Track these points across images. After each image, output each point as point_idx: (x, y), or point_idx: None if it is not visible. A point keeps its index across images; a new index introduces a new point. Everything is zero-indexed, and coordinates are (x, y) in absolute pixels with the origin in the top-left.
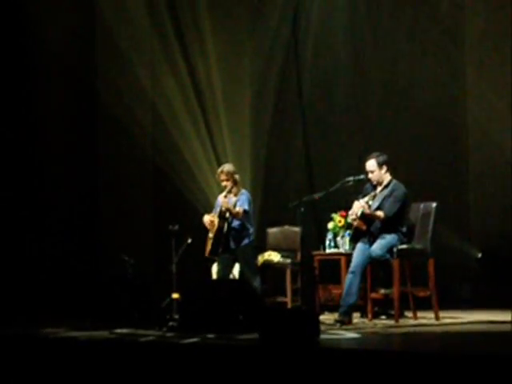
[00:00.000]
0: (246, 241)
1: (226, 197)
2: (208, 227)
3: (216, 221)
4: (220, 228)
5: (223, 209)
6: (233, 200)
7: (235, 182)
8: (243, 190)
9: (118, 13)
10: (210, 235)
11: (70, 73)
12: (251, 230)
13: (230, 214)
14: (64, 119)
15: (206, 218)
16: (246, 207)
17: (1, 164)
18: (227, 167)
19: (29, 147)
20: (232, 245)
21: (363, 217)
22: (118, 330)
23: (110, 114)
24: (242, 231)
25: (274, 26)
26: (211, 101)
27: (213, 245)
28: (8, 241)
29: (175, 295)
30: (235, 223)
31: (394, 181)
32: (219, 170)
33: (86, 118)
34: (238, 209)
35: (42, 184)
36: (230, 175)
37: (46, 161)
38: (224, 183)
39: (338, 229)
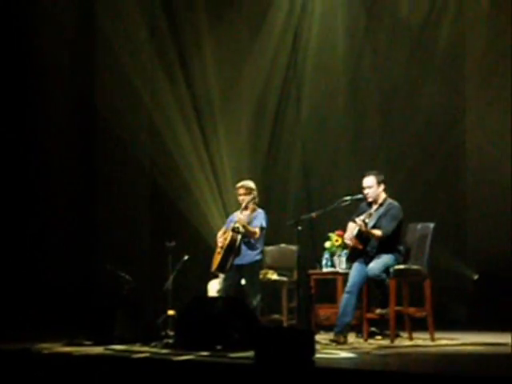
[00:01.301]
0: (255, 258)
1: (241, 213)
2: (219, 242)
3: (229, 236)
4: (232, 242)
5: (239, 225)
6: (248, 218)
7: (253, 200)
8: (259, 210)
9: (118, 26)
10: (219, 250)
11: (68, 85)
12: (261, 249)
13: (246, 231)
14: (62, 132)
15: (219, 234)
16: (264, 224)
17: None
18: (247, 182)
19: (25, 162)
20: (241, 261)
21: (359, 236)
22: (113, 346)
23: (108, 127)
24: (252, 248)
25: (273, 45)
26: (209, 117)
27: (222, 259)
28: (4, 257)
29: (171, 312)
30: (246, 239)
31: (389, 199)
32: (239, 184)
33: (84, 132)
34: (255, 229)
35: (38, 200)
36: (248, 191)
37: (42, 176)
38: (241, 197)
39: (334, 248)
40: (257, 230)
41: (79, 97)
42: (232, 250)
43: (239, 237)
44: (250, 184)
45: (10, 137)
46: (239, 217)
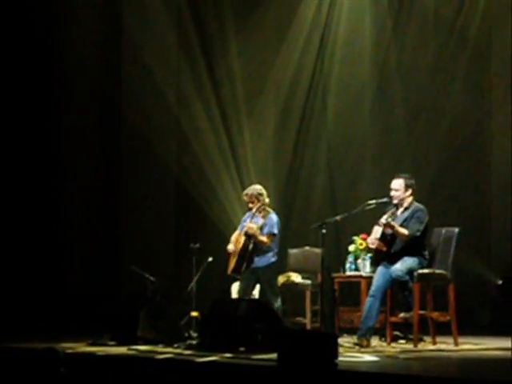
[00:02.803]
0: (270, 260)
1: (252, 219)
2: (232, 245)
3: (242, 239)
4: (245, 246)
5: (249, 233)
6: (260, 222)
7: (262, 204)
8: (272, 214)
9: (145, 29)
10: (233, 253)
11: (94, 88)
12: (276, 251)
13: (256, 240)
14: (88, 133)
15: (233, 236)
16: (275, 231)
17: (21, 181)
18: (251, 190)
19: (51, 164)
20: (256, 264)
21: (383, 238)
22: (137, 347)
23: (134, 130)
24: (266, 251)
25: (299, 48)
26: (235, 119)
27: (236, 263)
28: (30, 257)
29: (194, 313)
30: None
31: (416, 203)
32: (244, 192)
33: (110, 133)
34: (264, 238)
35: (64, 201)
36: (254, 197)
37: (68, 177)
38: (250, 205)
39: (358, 251)
40: (264, 238)
41: (106, 98)
42: (245, 254)
43: (251, 243)
44: (256, 189)
45: (37, 139)
46: (249, 225)
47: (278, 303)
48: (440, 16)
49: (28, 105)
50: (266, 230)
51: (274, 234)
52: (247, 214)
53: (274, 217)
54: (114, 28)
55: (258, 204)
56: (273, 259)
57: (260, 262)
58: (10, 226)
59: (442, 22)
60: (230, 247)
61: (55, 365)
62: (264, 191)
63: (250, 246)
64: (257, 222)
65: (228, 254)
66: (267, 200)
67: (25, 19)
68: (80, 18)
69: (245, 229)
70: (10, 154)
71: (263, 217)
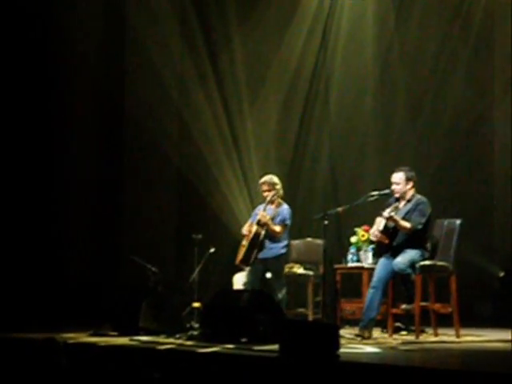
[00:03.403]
0: (279, 252)
1: (265, 209)
2: (245, 235)
3: (254, 227)
4: (257, 235)
5: (262, 222)
6: (272, 212)
7: (276, 194)
8: (284, 205)
9: (148, 22)
10: (244, 243)
11: (97, 82)
12: (286, 243)
13: (268, 229)
14: (91, 127)
15: (245, 227)
16: (288, 222)
17: (25, 172)
18: (270, 178)
19: (55, 155)
20: (265, 254)
21: (386, 230)
22: (138, 338)
23: (137, 123)
24: (277, 242)
25: (302, 41)
26: (238, 110)
27: (246, 252)
28: (31, 247)
29: (196, 304)
30: (271, 234)
31: (418, 195)
32: (262, 179)
33: (113, 127)
34: (277, 228)
35: (67, 192)
36: (271, 186)
37: (71, 169)
38: (265, 193)
39: (360, 243)
40: (277, 228)
41: (108, 88)
42: (256, 243)
43: (263, 231)
44: (274, 179)
45: (40, 130)
46: (262, 214)
47: (282, 294)
48: (443, 7)
49: (31, 95)
50: (278, 220)
51: (286, 225)
52: (259, 205)
53: (287, 208)
54: (117, 19)
55: (274, 192)
56: (282, 251)
57: (269, 252)
58: (10, 216)
59: (444, 14)
60: (245, 231)
61: (55, 355)
62: (280, 182)
63: (262, 236)
64: (269, 212)
65: (233, 245)
66: (281, 192)
67: (27, 12)
68: (83, 11)
69: (258, 217)
70: (10, 143)
71: (276, 207)
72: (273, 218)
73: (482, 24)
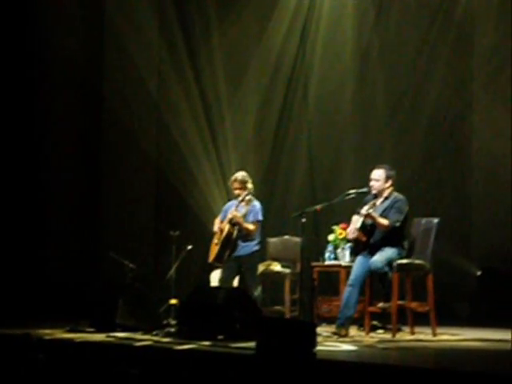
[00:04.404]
0: (253, 249)
1: (236, 208)
2: (216, 232)
3: (226, 227)
4: (229, 234)
5: (234, 221)
6: (243, 210)
7: (249, 192)
8: (255, 201)
9: (127, 17)
10: (216, 241)
11: (76, 77)
12: (259, 239)
13: (240, 227)
14: (69, 122)
15: (215, 224)
16: (260, 218)
17: (4, 170)
18: (241, 175)
19: (32, 149)
20: (239, 252)
21: (363, 228)
22: (115, 334)
23: (115, 118)
24: (249, 240)
25: (281, 39)
26: (216, 108)
27: (219, 251)
28: (9, 243)
29: (173, 301)
30: (243, 232)
31: (395, 193)
32: (233, 177)
33: (91, 122)
34: (250, 226)
35: (43, 186)
36: (243, 184)
37: (48, 164)
38: (237, 191)
39: (338, 241)
40: (250, 226)
41: (87, 85)
42: (228, 242)
43: (236, 230)
44: (245, 177)
45: (17, 127)
46: (234, 213)
47: (258, 292)
48: (423, 5)
49: (9, 94)
50: (250, 218)
51: (259, 221)
52: (229, 202)
53: (257, 204)
54: (96, 15)
55: (246, 191)
56: (256, 247)
57: (243, 250)
58: None
59: (424, 13)
60: (216, 229)
61: (31, 351)
62: (250, 179)
63: (234, 235)
64: (240, 210)
65: (211, 243)
66: (251, 186)
67: (4, 7)
68: (61, 6)
69: (229, 216)
70: None
71: (247, 205)
72: (244, 216)
73: (462, 23)
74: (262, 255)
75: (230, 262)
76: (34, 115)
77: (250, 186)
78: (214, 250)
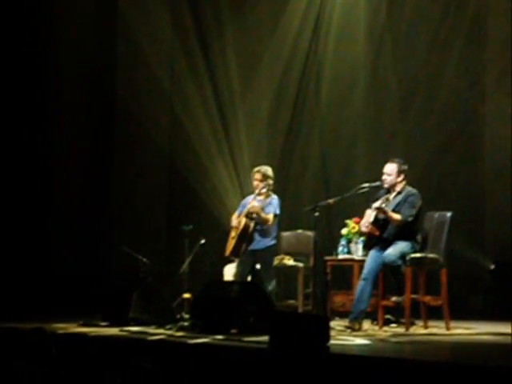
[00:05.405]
0: (269, 243)
1: (255, 199)
2: (233, 226)
3: (243, 220)
4: (246, 228)
5: (252, 212)
6: (261, 203)
7: (267, 185)
8: (273, 196)
9: (139, 11)
10: (233, 235)
11: (89, 72)
12: (275, 234)
13: (260, 219)
14: (82, 117)
15: (233, 219)
16: (278, 211)
17: (15, 164)
18: (264, 169)
19: (45, 143)
20: (254, 246)
21: (376, 222)
22: (128, 328)
23: (128, 112)
24: (266, 234)
25: (294, 30)
26: (229, 102)
27: (235, 244)
28: (24, 238)
29: (186, 295)
30: (260, 226)
31: (409, 187)
32: (256, 169)
33: (104, 116)
34: (268, 216)
35: (57, 182)
36: (264, 177)
37: (59, 157)
38: (256, 183)
39: (351, 235)
40: (269, 216)
41: (100, 79)
42: (245, 236)
43: (252, 224)
44: (269, 171)
45: (29, 120)
46: (252, 204)
47: (272, 286)
48: (434, 2)
49: (22, 89)
50: (267, 210)
51: (276, 215)
52: (246, 198)
53: (275, 197)
54: (109, 10)
55: (265, 183)
56: (272, 242)
57: (259, 244)
58: None
59: (436, 6)
60: (234, 223)
61: (44, 345)
62: (273, 177)
63: (251, 229)
64: (258, 203)
65: (224, 236)
66: (271, 182)
67: (18, 3)
68: (73, 1)
69: (248, 207)
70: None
71: (265, 198)
72: (262, 209)
73: (475, 17)
74: (276, 250)
75: (246, 256)
76: (47, 110)
77: (270, 182)
78: (231, 243)
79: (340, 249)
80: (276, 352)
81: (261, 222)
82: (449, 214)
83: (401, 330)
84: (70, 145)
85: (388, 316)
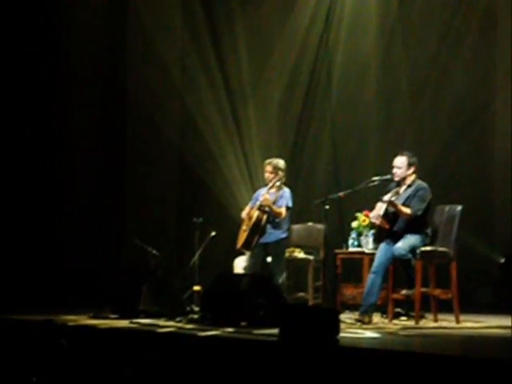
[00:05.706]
0: (280, 236)
1: (268, 192)
2: (245, 219)
3: (255, 213)
4: (258, 220)
5: (264, 204)
6: (274, 196)
7: (280, 179)
8: (285, 188)
9: (150, 7)
10: (244, 227)
11: (100, 67)
12: (286, 227)
13: (272, 211)
14: (93, 113)
15: (245, 211)
16: (290, 204)
17: (26, 158)
18: (276, 161)
19: (57, 137)
20: (266, 239)
21: (386, 215)
22: (139, 320)
23: (139, 106)
24: (278, 227)
25: (305, 22)
26: (240, 96)
27: (247, 237)
28: (35, 231)
29: (197, 287)
30: (272, 218)
31: (419, 181)
32: (267, 161)
33: (115, 111)
34: (281, 209)
35: (69, 176)
36: (276, 170)
37: (73, 153)
38: (267, 175)
39: (361, 228)
40: (282, 210)
41: (111, 77)
42: (257, 228)
43: (265, 216)
44: (280, 163)
45: (41, 115)
46: (265, 196)
47: (282, 279)
48: None
49: (35, 85)
50: (279, 203)
51: (288, 208)
52: (259, 190)
53: (287, 190)
54: (119, 5)
55: (277, 177)
56: (283, 235)
57: (271, 237)
58: (10, 199)
59: (447, 2)
60: (245, 215)
61: (54, 337)
62: (285, 169)
63: (263, 221)
64: (271, 196)
65: (234, 229)
66: (282, 174)
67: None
68: None
69: (261, 199)
70: (10, 130)
71: (277, 191)
72: (274, 202)
73: (486, 11)
74: (288, 242)
75: (257, 248)
76: (59, 107)
77: (281, 174)
78: (243, 236)
79: (350, 242)
80: (286, 345)
81: (273, 215)
82: (459, 208)
83: (411, 323)
84: (82, 140)
85: (398, 309)
